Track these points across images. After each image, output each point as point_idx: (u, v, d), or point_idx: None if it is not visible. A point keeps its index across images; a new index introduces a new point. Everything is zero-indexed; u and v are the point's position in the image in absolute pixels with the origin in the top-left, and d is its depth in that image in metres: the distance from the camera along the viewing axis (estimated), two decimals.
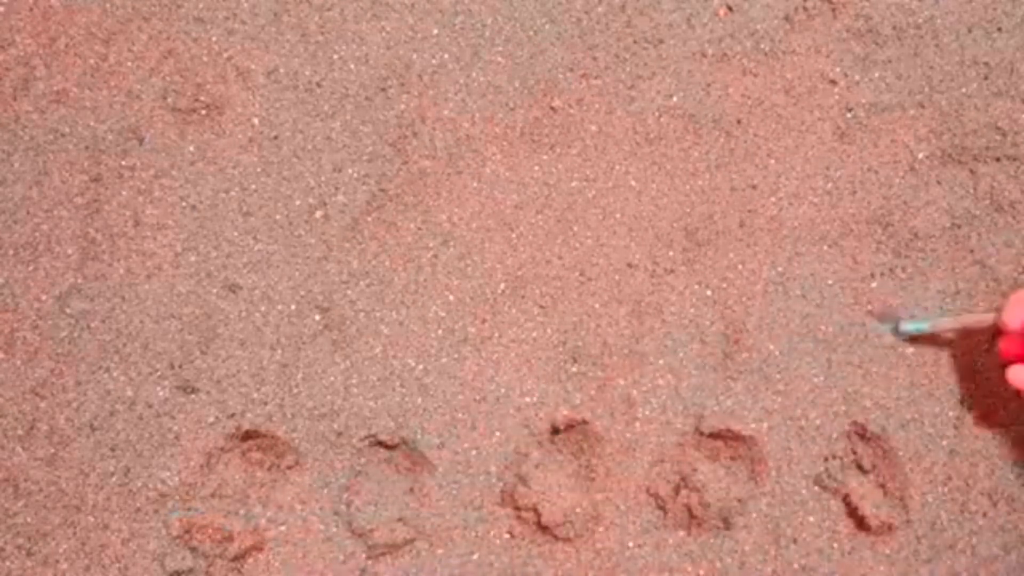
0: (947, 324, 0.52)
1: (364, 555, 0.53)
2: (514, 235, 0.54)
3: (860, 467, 0.53)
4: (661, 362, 0.53)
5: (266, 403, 0.53)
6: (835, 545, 0.52)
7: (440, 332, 0.53)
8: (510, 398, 0.53)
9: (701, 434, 0.53)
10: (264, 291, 0.54)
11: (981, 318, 0.51)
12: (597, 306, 0.54)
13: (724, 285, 0.54)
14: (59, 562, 0.52)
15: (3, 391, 0.53)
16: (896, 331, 0.53)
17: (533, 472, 0.53)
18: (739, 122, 0.55)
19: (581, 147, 0.55)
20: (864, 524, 0.52)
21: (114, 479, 0.53)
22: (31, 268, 0.54)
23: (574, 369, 0.53)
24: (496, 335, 0.53)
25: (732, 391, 0.53)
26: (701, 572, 0.52)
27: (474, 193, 0.54)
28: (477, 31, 0.55)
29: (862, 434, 0.53)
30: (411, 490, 0.53)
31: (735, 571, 0.52)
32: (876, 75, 0.55)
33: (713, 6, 0.55)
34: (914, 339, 0.53)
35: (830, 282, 0.54)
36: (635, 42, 0.55)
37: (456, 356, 0.53)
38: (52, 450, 0.53)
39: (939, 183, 0.54)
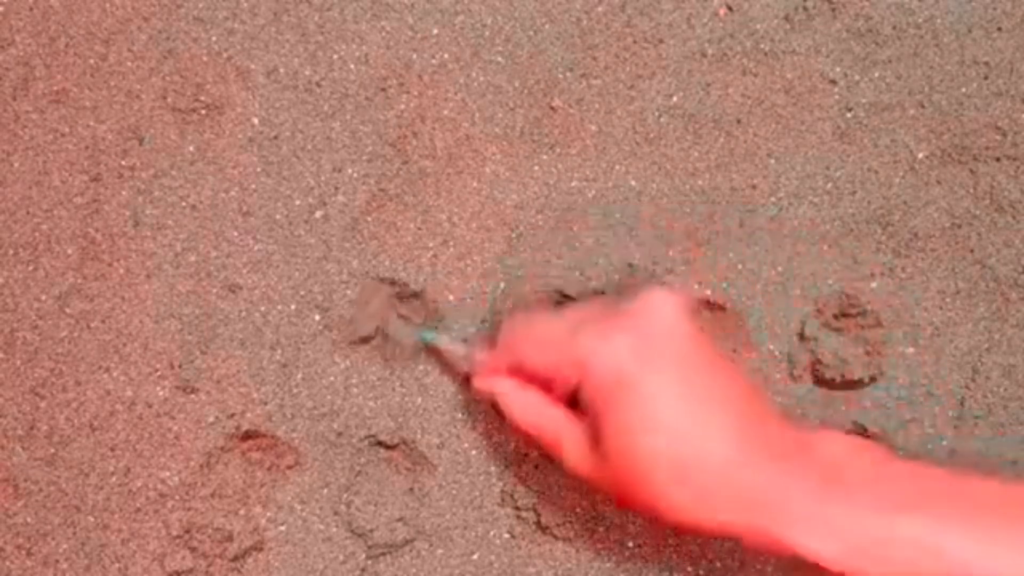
0: (451, 346, 0.51)
1: (364, 555, 0.53)
2: (514, 235, 0.54)
3: None
4: None
5: (266, 403, 0.53)
6: None
7: None
8: None
9: None
10: (264, 291, 0.54)
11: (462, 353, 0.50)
12: None
13: (724, 285, 0.54)
14: (59, 562, 0.52)
15: (3, 391, 0.53)
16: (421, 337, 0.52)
17: (533, 472, 0.53)
18: (739, 122, 0.55)
19: (581, 147, 0.55)
20: None
21: (114, 479, 0.53)
22: (31, 268, 0.54)
23: None
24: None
25: None
26: (701, 572, 0.52)
27: (474, 193, 0.54)
28: (477, 31, 0.55)
29: (862, 434, 0.53)
30: (411, 490, 0.53)
31: (735, 571, 0.52)
32: (876, 75, 0.55)
33: (713, 6, 0.55)
34: (433, 350, 0.52)
35: (830, 282, 0.54)
36: (635, 42, 0.55)
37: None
38: (52, 450, 0.53)
39: (939, 183, 0.54)
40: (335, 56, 0.55)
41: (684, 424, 0.39)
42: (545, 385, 0.45)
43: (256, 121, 0.55)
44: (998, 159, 0.54)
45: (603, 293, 0.53)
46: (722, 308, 0.54)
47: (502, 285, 0.54)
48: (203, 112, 0.55)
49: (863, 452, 0.39)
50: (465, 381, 0.51)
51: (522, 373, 0.46)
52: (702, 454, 0.38)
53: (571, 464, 0.43)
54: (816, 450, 0.39)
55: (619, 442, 0.40)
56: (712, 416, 0.39)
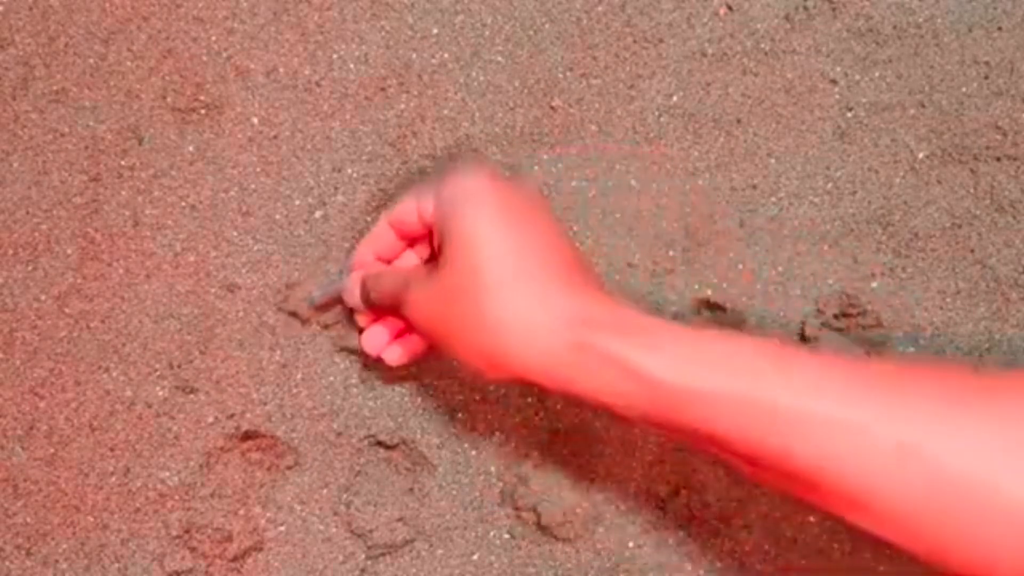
0: (333, 289, 0.51)
1: (364, 555, 0.53)
2: None
3: None
4: None
5: (265, 403, 0.53)
6: (835, 545, 0.52)
7: None
8: (510, 398, 0.53)
9: None
10: (263, 291, 0.54)
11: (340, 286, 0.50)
12: None
13: (724, 285, 0.54)
14: (59, 562, 0.52)
15: (3, 391, 0.53)
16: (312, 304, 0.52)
17: (533, 472, 0.53)
18: (739, 121, 0.55)
19: (581, 147, 0.55)
20: None
21: (114, 479, 0.53)
22: (31, 268, 0.54)
23: None
24: None
25: None
26: (701, 572, 0.52)
27: None
28: (477, 31, 0.55)
29: None
30: (411, 490, 0.53)
31: (735, 571, 0.52)
32: (876, 75, 0.55)
33: (713, 5, 0.55)
34: (322, 307, 0.52)
35: (830, 282, 0.54)
36: (635, 42, 0.55)
37: None
38: (52, 450, 0.53)
39: (939, 183, 0.54)
40: (335, 56, 0.55)
41: (521, 243, 0.40)
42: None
43: (256, 121, 0.55)
44: (998, 159, 0.54)
45: None
46: (722, 308, 0.54)
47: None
48: (203, 112, 0.55)
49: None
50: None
51: (393, 248, 0.48)
52: (541, 267, 0.39)
53: (413, 302, 0.43)
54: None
55: (461, 241, 0.40)
56: (547, 252, 0.40)
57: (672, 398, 0.36)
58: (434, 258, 0.44)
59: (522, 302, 0.38)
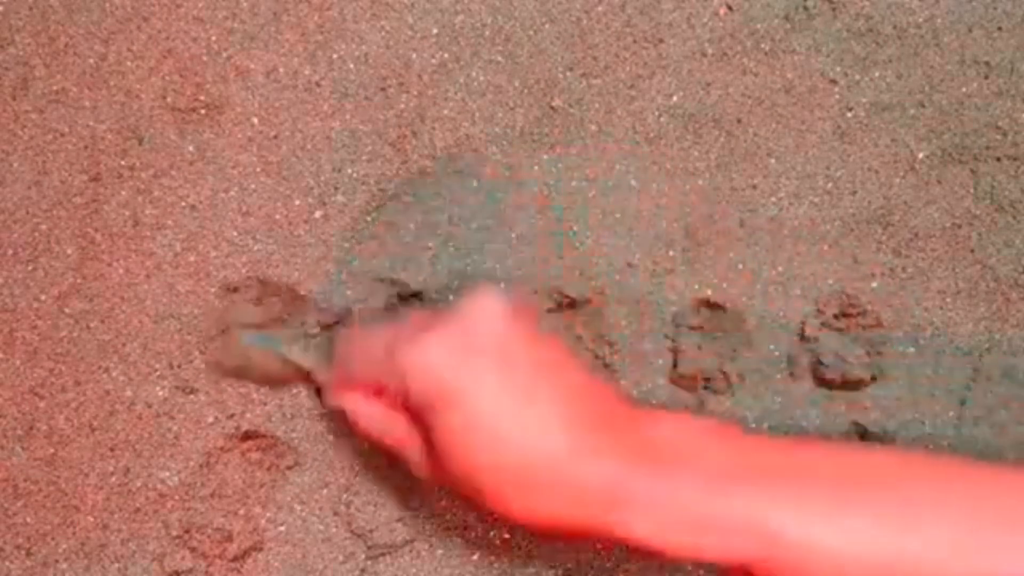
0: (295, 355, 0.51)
1: (364, 555, 0.53)
2: (514, 236, 0.54)
3: None
4: (660, 362, 0.53)
5: (265, 403, 0.53)
6: None
7: None
8: None
9: None
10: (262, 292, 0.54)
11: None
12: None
13: (724, 285, 0.54)
14: (59, 562, 0.52)
15: (3, 391, 0.53)
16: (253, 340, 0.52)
17: None
18: (739, 121, 0.55)
19: (581, 147, 0.55)
20: None
21: (114, 479, 0.53)
22: (31, 268, 0.54)
23: None
24: None
25: (733, 391, 0.53)
26: (701, 572, 0.52)
27: (474, 193, 0.54)
28: (477, 31, 0.55)
29: (862, 434, 0.53)
30: (411, 490, 0.53)
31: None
32: (876, 75, 0.55)
33: (713, 5, 0.55)
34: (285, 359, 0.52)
35: (830, 282, 0.54)
36: (635, 42, 0.55)
37: None
38: (52, 450, 0.53)
39: (939, 183, 0.54)
40: (335, 56, 0.55)
41: (504, 424, 0.39)
42: (386, 397, 0.45)
43: (256, 121, 0.55)
44: (998, 159, 0.54)
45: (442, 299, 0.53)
46: (722, 308, 0.54)
47: (502, 284, 0.54)
48: (203, 112, 0.55)
49: (703, 432, 0.40)
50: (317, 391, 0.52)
51: (364, 386, 0.46)
52: (525, 452, 0.39)
53: (415, 472, 0.44)
54: (650, 433, 0.40)
55: (446, 448, 0.40)
56: (534, 414, 0.39)
57: (682, 553, 0.37)
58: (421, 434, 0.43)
59: (525, 503, 0.39)
